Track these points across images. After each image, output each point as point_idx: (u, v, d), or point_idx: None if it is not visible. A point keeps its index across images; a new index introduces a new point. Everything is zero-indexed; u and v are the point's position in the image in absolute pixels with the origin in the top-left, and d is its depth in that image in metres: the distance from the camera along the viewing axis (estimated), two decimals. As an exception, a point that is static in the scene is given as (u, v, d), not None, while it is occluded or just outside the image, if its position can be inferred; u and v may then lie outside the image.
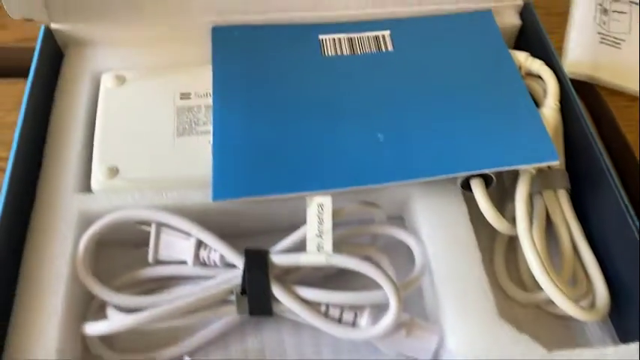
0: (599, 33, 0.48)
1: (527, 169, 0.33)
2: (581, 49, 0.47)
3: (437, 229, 0.33)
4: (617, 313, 0.33)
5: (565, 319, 0.33)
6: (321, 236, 0.31)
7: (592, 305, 0.33)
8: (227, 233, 0.34)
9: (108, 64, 0.38)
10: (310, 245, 0.30)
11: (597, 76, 0.45)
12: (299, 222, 0.33)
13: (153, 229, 0.31)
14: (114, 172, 0.33)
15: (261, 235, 0.35)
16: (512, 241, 0.35)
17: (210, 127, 0.35)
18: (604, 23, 0.49)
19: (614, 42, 0.47)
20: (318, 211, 0.31)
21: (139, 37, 0.39)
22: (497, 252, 0.35)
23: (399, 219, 0.37)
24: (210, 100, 0.36)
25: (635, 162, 0.40)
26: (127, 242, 0.33)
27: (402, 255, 0.34)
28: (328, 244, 0.30)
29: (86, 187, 0.33)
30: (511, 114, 0.35)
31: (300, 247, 0.31)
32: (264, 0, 0.40)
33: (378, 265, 0.30)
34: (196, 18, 0.40)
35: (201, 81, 0.37)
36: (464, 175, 0.33)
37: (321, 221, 0.31)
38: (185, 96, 0.37)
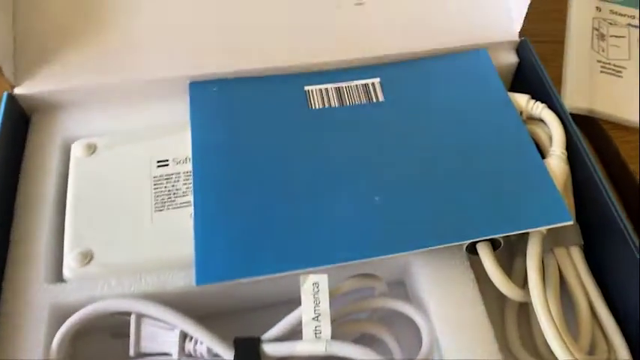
0: (598, 61, 0.46)
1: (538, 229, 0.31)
2: (579, 81, 0.44)
3: (443, 303, 0.30)
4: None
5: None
6: (317, 319, 0.28)
7: (615, 374, 0.30)
8: (213, 313, 0.32)
9: (78, 130, 0.36)
10: (307, 331, 0.28)
11: (600, 109, 0.43)
12: (291, 297, 0.30)
13: (133, 321, 0.29)
14: (88, 257, 0.30)
15: (250, 314, 0.32)
16: (524, 304, 0.33)
17: (192, 198, 0.32)
18: (602, 50, 0.46)
19: (614, 70, 0.45)
20: (314, 290, 0.28)
21: (111, 97, 0.36)
22: (509, 318, 0.32)
23: (400, 284, 0.34)
24: (190, 166, 0.33)
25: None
26: (105, 330, 0.30)
27: (405, 325, 0.31)
28: (326, 329, 0.28)
29: (58, 276, 0.30)
30: (517, 170, 0.33)
31: (296, 330, 0.29)
32: (244, 49, 0.38)
33: (386, 352, 0.28)
34: (172, 72, 0.37)
35: (180, 144, 0.34)
36: (470, 241, 0.30)
37: (317, 302, 0.28)
38: (162, 163, 0.34)
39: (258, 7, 0.40)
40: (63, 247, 0.31)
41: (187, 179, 0.33)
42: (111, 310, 0.29)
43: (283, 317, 0.29)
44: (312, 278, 0.28)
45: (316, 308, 0.28)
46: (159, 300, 0.29)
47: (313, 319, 0.28)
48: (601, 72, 0.45)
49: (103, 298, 0.28)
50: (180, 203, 0.32)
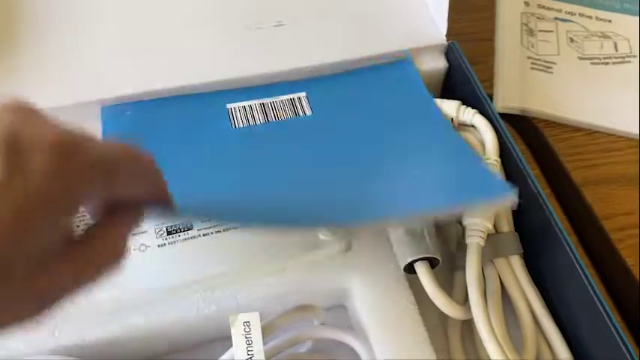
0: (528, 57, 0.45)
1: (475, 240, 0.30)
2: (511, 79, 0.44)
3: (382, 327, 0.29)
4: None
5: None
6: (251, 360, 0.26)
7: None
8: (142, 356, 0.29)
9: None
10: (240, 374, 0.26)
11: (532, 107, 0.42)
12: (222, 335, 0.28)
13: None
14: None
15: (178, 356, 0.30)
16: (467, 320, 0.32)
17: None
18: (532, 46, 0.46)
19: (545, 66, 0.45)
20: (244, 330, 0.27)
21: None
22: (453, 335, 0.31)
23: (341, 307, 0.33)
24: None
25: (585, 204, 0.37)
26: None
27: (348, 352, 0.30)
28: (261, 370, 0.26)
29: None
30: (453, 164, 0.32)
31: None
32: (161, 69, 0.35)
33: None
34: (84, 97, 0.34)
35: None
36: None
37: (249, 342, 0.26)
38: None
39: (176, 27, 0.38)
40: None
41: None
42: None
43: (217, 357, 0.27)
44: (242, 317, 0.27)
45: (249, 349, 0.26)
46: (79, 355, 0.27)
47: (247, 360, 0.26)
48: (532, 68, 0.45)
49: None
50: (97, 242, 0.30)
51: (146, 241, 0.30)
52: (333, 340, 0.29)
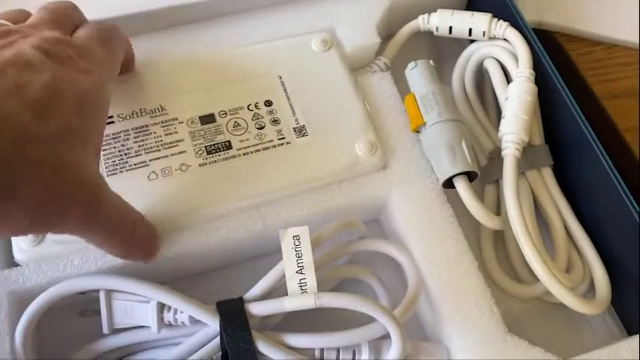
0: None
1: (511, 152, 0.30)
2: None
3: (425, 240, 0.29)
4: (619, 298, 0.31)
5: (566, 307, 0.31)
6: (302, 272, 0.27)
7: (591, 288, 0.31)
8: (186, 276, 0.30)
9: None
10: (291, 285, 0.27)
11: (551, 21, 0.41)
12: (267, 250, 0.29)
13: (102, 298, 0.26)
14: (39, 235, 0.27)
15: (226, 272, 0.31)
16: (499, 231, 0.33)
17: (146, 156, 0.29)
18: None
19: None
20: (295, 244, 0.27)
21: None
22: (485, 245, 0.32)
23: (375, 222, 0.33)
24: (140, 121, 0.31)
25: (607, 117, 0.37)
26: (72, 308, 0.28)
27: (386, 264, 0.30)
28: (312, 281, 0.27)
29: (10, 261, 0.27)
30: None
31: (277, 286, 0.27)
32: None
33: (370, 294, 0.27)
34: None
35: (122, 98, 0.31)
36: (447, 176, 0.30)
37: (299, 255, 0.27)
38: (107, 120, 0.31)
39: None
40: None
41: (138, 136, 0.30)
42: (75, 290, 0.26)
43: (262, 273, 0.28)
44: (291, 232, 0.27)
45: (299, 261, 0.27)
46: (128, 272, 0.27)
47: (297, 272, 0.27)
48: None
49: (66, 279, 0.26)
50: (135, 164, 0.30)
51: (187, 160, 0.30)
52: (370, 252, 0.30)
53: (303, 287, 0.26)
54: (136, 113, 0.31)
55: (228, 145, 0.31)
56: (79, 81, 0.23)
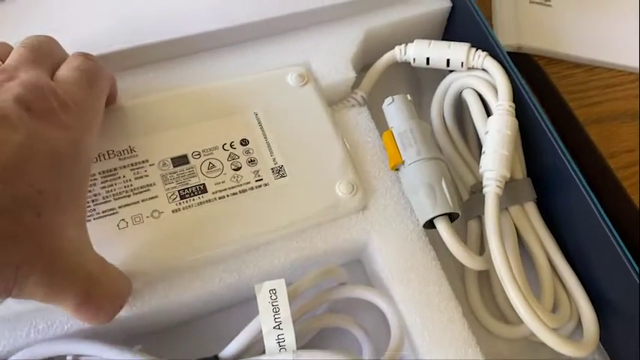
0: None
1: (492, 189, 0.29)
2: (508, 14, 0.42)
3: (407, 285, 0.28)
4: (608, 335, 0.30)
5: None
6: (279, 327, 0.26)
7: (579, 326, 0.30)
8: (159, 329, 0.29)
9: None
10: (269, 343, 0.25)
11: (530, 44, 0.41)
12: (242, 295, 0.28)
13: (70, 363, 0.25)
14: None
15: (202, 320, 0.30)
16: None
17: (115, 203, 0.28)
18: None
19: None
20: (271, 298, 0.26)
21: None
22: (470, 285, 0.31)
23: (357, 262, 0.32)
24: (107, 164, 0.29)
25: (589, 143, 0.37)
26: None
27: (369, 309, 0.29)
28: (290, 337, 0.26)
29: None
30: None
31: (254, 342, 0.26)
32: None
33: (353, 343, 0.26)
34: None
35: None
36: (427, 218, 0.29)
37: (276, 310, 0.26)
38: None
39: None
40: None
41: (106, 180, 0.29)
42: (40, 357, 0.25)
43: (239, 323, 0.27)
44: (267, 285, 0.26)
45: (276, 317, 0.26)
46: (97, 334, 0.26)
47: (274, 327, 0.26)
48: (530, 2, 0.43)
49: (30, 345, 0.25)
50: (103, 212, 0.28)
51: (159, 206, 0.29)
52: (350, 299, 0.29)
53: (281, 344, 0.25)
54: (103, 155, 0.30)
55: (202, 189, 0.30)
56: (56, 140, 0.22)
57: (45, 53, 0.26)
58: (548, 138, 0.31)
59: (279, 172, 0.31)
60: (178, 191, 0.29)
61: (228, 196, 0.30)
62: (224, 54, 0.34)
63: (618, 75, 0.41)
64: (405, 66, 0.35)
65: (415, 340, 0.28)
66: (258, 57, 0.34)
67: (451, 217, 0.30)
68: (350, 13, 0.35)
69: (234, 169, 0.30)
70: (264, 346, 0.25)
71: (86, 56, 0.27)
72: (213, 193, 0.30)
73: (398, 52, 0.34)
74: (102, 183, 0.29)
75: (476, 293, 0.31)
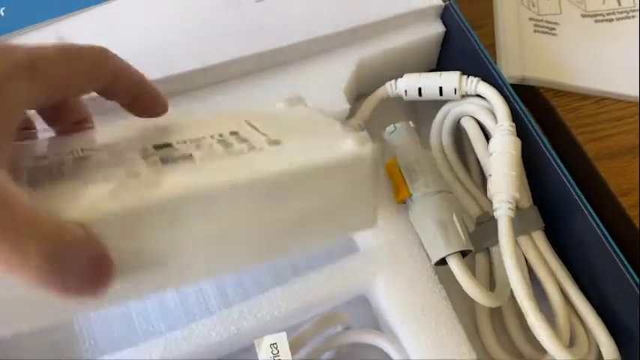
0: (530, 19, 0.41)
1: (504, 212, 0.28)
2: (512, 44, 0.40)
3: (417, 327, 0.27)
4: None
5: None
6: (283, 383, 0.24)
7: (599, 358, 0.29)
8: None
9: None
10: (274, 400, 0.24)
11: (535, 75, 0.39)
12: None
13: None
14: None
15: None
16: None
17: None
18: (533, 5, 0.42)
19: (548, 28, 0.41)
20: (272, 353, 0.24)
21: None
22: (483, 322, 0.30)
23: (362, 298, 0.31)
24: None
25: (600, 180, 0.35)
26: None
27: (374, 350, 0.28)
28: (295, 393, 0.24)
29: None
30: None
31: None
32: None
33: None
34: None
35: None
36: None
37: (279, 364, 0.24)
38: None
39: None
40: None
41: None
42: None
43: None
44: (268, 340, 0.24)
45: (279, 371, 0.24)
46: None
47: (278, 383, 0.24)
48: (535, 31, 0.41)
49: None
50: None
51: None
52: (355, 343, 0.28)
53: (286, 400, 0.24)
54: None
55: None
56: None
57: None
58: (552, 164, 0.30)
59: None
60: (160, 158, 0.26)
61: None
62: (216, 91, 0.33)
63: (628, 106, 0.39)
64: (401, 98, 0.34)
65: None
66: (250, 92, 0.33)
67: (463, 253, 0.28)
68: (341, 44, 0.34)
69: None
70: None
71: None
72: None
73: (389, 88, 0.33)
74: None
75: (489, 330, 0.30)
